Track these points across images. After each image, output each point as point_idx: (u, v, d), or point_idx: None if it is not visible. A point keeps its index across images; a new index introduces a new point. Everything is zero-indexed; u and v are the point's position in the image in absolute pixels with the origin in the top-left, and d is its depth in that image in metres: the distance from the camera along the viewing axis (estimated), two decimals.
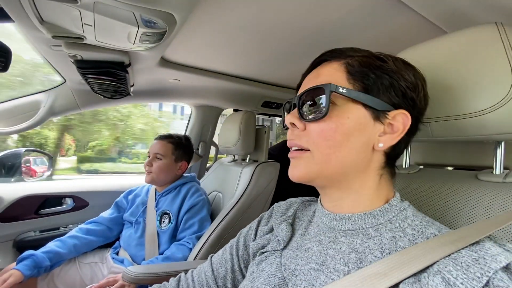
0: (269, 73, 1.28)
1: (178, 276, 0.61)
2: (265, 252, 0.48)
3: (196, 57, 1.10)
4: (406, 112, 0.38)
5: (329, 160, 0.39)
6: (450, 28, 0.67)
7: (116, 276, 0.88)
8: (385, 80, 0.38)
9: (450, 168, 0.68)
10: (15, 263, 0.91)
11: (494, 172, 0.49)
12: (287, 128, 0.45)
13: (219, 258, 0.58)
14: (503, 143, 0.49)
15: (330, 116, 0.38)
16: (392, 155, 0.42)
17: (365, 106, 0.38)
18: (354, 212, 0.41)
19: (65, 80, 1.15)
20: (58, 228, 1.10)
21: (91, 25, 0.63)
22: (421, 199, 0.55)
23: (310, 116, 0.40)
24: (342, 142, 0.38)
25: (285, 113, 0.47)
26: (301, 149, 0.41)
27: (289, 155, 0.43)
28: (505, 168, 0.52)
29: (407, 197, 0.57)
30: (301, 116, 0.41)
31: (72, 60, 0.85)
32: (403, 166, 0.63)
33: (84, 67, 0.87)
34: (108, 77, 0.93)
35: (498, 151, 0.49)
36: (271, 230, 0.51)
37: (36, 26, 0.65)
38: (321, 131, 0.39)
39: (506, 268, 0.28)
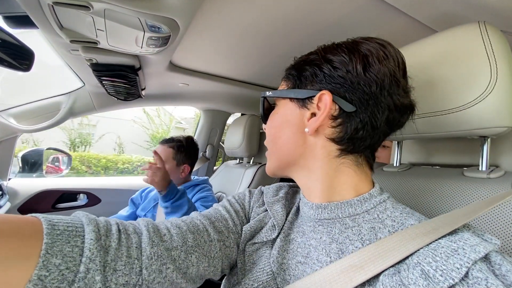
0: (276, 78, 1.32)
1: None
2: (256, 243, 0.45)
3: (203, 62, 1.16)
4: (326, 91, 0.38)
5: (275, 152, 0.45)
6: (441, 29, 0.67)
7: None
8: (307, 72, 0.41)
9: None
10: None
11: (480, 169, 0.49)
12: None
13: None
14: (489, 139, 0.49)
15: (269, 117, 0.47)
16: (337, 141, 0.39)
17: (290, 99, 0.43)
18: (331, 201, 0.41)
19: (84, 83, 1.25)
20: None
21: (103, 30, 0.70)
22: (410, 195, 0.55)
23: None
24: (276, 134, 0.45)
25: None
26: None
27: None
28: (494, 165, 0.51)
29: (397, 193, 0.57)
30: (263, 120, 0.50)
31: (89, 64, 0.93)
32: (394, 165, 0.64)
33: (99, 70, 0.95)
34: (120, 79, 1.01)
35: (485, 147, 0.49)
36: (265, 210, 0.49)
37: (57, 31, 0.72)
38: (267, 130, 0.47)
39: (484, 259, 0.28)
